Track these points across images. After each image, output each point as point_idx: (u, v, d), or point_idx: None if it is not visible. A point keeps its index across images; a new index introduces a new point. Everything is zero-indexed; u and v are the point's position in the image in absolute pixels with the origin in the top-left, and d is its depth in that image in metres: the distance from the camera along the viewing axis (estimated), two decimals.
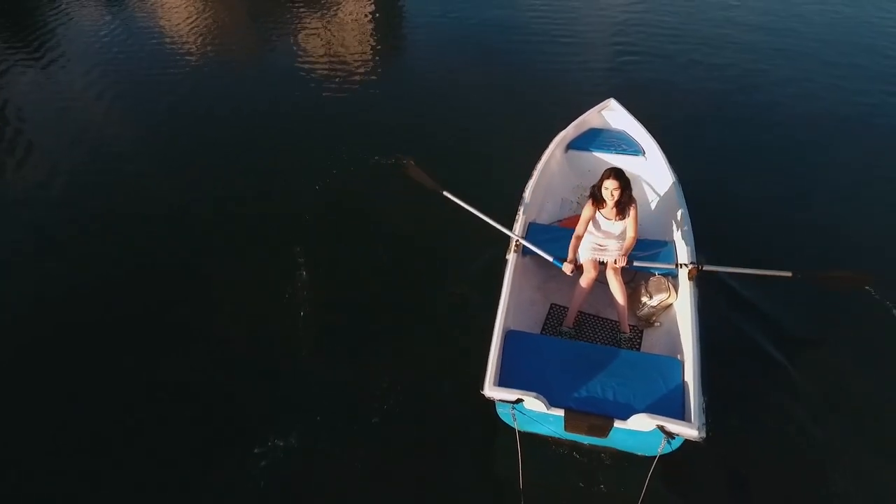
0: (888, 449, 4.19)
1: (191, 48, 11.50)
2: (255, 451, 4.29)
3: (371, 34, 12.29)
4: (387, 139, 8.24)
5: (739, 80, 9.34)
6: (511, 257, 4.86)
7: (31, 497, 4.20)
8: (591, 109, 6.67)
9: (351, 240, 6.35)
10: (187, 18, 13.08)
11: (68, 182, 7.53)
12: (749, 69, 9.66)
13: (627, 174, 5.88)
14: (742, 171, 7.21)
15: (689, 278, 4.51)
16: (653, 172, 6.00)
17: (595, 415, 3.65)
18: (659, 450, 3.58)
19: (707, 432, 3.52)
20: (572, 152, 6.43)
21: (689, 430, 3.46)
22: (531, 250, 5.00)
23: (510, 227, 5.14)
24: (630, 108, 6.64)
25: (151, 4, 13.87)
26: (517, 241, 4.96)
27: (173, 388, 4.83)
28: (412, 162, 6.20)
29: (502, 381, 3.91)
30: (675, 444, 3.62)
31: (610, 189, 4.56)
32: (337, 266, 6.01)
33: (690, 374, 3.83)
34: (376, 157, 7.56)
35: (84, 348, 5.23)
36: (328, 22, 12.72)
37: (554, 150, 6.25)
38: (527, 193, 5.61)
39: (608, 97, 6.80)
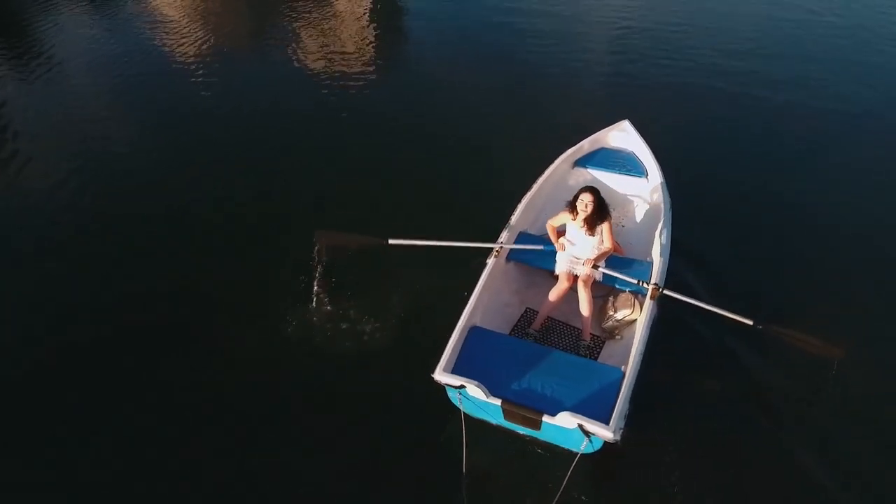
0: (819, 454, 4.66)
1: (188, 48, 11.79)
2: (254, 450, 4.73)
3: (371, 33, 12.63)
4: (386, 139, 8.67)
5: (758, 107, 9.37)
6: (490, 262, 5.40)
7: (31, 495, 4.56)
8: (605, 129, 7.07)
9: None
10: (184, 18, 13.34)
11: (68, 182, 7.90)
12: (769, 96, 9.70)
13: (628, 195, 6.57)
14: (743, 199, 7.41)
15: (651, 298, 5.01)
16: (651, 194, 6.46)
17: (528, 407, 4.20)
18: (581, 447, 4.13)
19: (621, 436, 4.08)
20: (578, 169, 6.87)
21: (604, 432, 3.97)
22: (515, 256, 5.54)
23: (493, 235, 5.65)
24: (643, 129, 6.97)
25: (148, 5, 14.11)
26: (499, 247, 5.47)
27: (172, 387, 5.21)
28: (325, 232, 5.79)
29: (457, 370, 4.48)
30: (597, 444, 4.15)
31: (585, 202, 5.15)
32: (333, 263, 6.30)
33: (626, 384, 4.32)
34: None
35: (84, 349, 5.57)
36: (328, 20, 13.02)
37: (560, 164, 6.69)
38: (523, 203, 6.09)
39: (621, 115, 7.16)
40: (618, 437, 4.03)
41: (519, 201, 6.12)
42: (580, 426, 4.02)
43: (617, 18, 12.76)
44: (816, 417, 4.96)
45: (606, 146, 7.04)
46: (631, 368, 4.43)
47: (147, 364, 5.42)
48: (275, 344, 5.55)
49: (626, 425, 4.26)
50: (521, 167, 7.01)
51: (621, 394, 4.24)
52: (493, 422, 4.58)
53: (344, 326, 5.69)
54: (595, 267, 5.18)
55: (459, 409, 4.47)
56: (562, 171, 6.70)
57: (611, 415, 4.10)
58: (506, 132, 8.67)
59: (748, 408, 5.02)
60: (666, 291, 5.05)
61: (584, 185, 5.26)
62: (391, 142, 8.61)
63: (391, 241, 5.51)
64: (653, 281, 5.11)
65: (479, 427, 4.63)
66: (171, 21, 13.24)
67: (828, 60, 11.00)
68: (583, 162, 6.85)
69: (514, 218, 5.90)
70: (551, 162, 6.66)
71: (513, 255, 5.66)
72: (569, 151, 6.81)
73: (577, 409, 4.10)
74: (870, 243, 6.75)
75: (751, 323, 4.80)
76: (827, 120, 9.08)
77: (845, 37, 11.94)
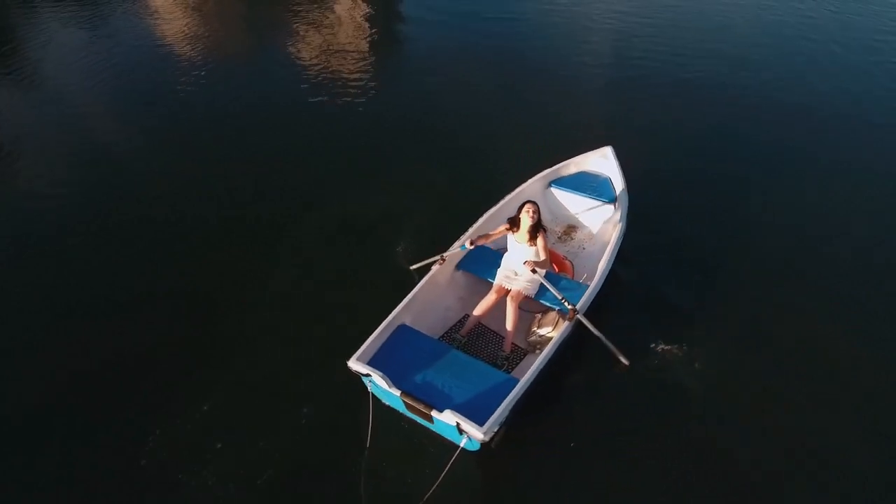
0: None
1: (188, 49, 12.34)
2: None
3: (369, 39, 13.11)
4: (382, 141, 9.27)
5: (750, 144, 9.40)
6: (434, 268, 5.99)
7: (31, 495, 4.92)
8: (587, 153, 7.43)
9: (339, 236, 7.35)
10: (183, 18, 13.94)
11: (65, 183, 8.39)
12: (768, 118, 9.85)
13: (595, 219, 7.08)
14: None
15: (567, 319, 5.47)
16: (613, 221, 6.78)
17: (422, 401, 4.76)
18: (461, 443, 4.67)
19: (492, 438, 4.59)
20: (552, 189, 7.28)
21: (475, 432, 4.48)
22: (465, 265, 6.11)
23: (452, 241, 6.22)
24: (625, 155, 7.32)
25: (145, 6, 14.71)
26: (441, 258, 6.01)
27: (172, 387, 5.60)
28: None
29: (373, 361, 5.08)
30: (475, 442, 4.64)
31: (530, 212, 5.65)
32: (324, 259, 7.01)
33: (513, 393, 4.77)
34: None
35: (82, 348, 5.98)
36: (327, 24, 13.52)
37: (534, 182, 7.11)
38: (486, 216, 6.57)
39: (606, 140, 7.53)
40: (488, 439, 4.55)
41: (483, 212, 6.58)
42: (458, 424, 4.57)
43: (621, 26, 12.91)
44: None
45: (585, 170, 7.40)
46: (524, 379, 4.90)
47: (146, 364, 5.86)
48: (262, 340, 6.13)
49: (503, 429, 4.77)
50: (503, 179, 7.46)
51: (504, 401, 4.72)
52: (401, 411, 5.17)
53: (321, 309, 6.41)
54: (534, 271, 5.62)
55: (370, 395, 5.13)
56: (534, 190, 7.10)
57: (488, 418, 4.60)
58: (492, 144, 9.09)
59: (645, 420, 5.43)
60: (580, 317, 5.49)
61: (526, 201, 5.78)
62: (386, 144, 9.20)
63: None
64: (577, 304, 5.53)
65: (387, 414, 5.26)
66: (170, 21, 13.75)
67: (827, 80, 11.06)
68: (557, 183, 7.25)
69: (473, 227, 6.38)
70: (524, 177, 7.11)
71: (462, 264, 6.19)
72: (545, 171, 7.22)
73: (460, 409, 4.63)
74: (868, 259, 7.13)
75: (627, 363, 5.56)
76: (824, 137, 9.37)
77: (842, 61, 11.93)
